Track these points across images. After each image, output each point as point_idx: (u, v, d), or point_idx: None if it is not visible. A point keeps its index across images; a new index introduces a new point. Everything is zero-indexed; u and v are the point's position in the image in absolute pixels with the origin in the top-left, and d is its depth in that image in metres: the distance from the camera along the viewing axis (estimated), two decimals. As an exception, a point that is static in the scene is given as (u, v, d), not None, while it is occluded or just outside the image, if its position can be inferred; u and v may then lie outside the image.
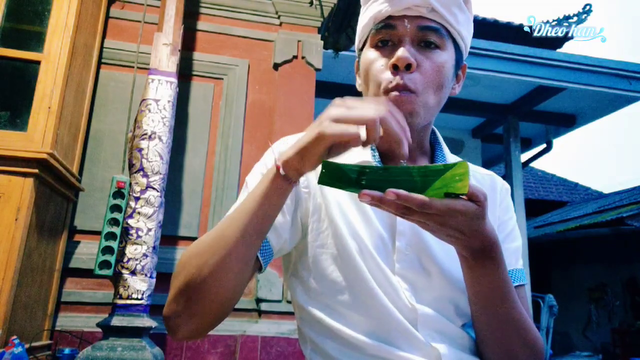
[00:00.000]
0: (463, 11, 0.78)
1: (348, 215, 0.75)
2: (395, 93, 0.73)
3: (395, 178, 0.55)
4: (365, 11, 0.80)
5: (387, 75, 0.74)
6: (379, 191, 0.54)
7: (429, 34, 0.75)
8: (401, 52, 0.72)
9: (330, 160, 0.57)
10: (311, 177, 0.79)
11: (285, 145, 0.82)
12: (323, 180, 0.57)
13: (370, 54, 0.78)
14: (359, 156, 0.80)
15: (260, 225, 0.65)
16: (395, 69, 0.73)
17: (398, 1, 0.74)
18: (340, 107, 0.57)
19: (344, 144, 0.56)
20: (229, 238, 0.64)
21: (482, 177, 0.88)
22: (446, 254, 0.75)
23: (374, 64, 0.76)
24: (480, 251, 0.63)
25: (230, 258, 0.64)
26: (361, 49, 0.83)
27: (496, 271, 0.66)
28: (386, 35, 0.76)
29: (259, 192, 0.64)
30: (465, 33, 0.80)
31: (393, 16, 0.75)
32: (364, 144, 0.56)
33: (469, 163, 0.91)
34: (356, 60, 0.86)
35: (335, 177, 0.56)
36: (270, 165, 0.79)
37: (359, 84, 0.85)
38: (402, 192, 0.53)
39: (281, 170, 0.61)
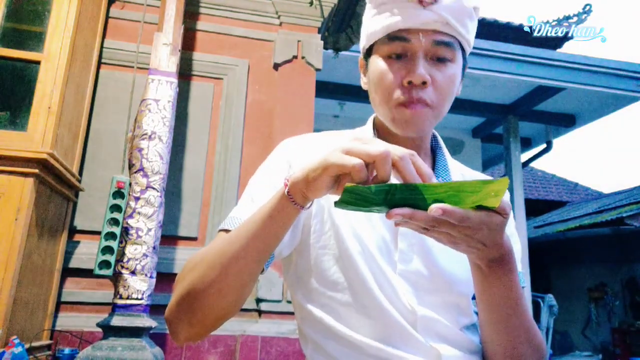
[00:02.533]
0: (473, 20, 0.77)
1: (350, 216, 0.76)
2: (410, 110, 0.73)
3: (426, 195, 0.53)
4: (374, 16, 0.78)
5: (401, 89, 0.74)
6: (409, 208, 0.52)
7: (442, 49, 0.74)
8: (418, 70, 0.72)
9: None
10: None
11: (289, 147, 0.82)
12: (343, 203, 0.54)
13: (382, 65, 0.76)
14: None
15: (265, 246, 0.64)
16: (409, 84, 0.73)
17: (415, 18, 0.73)
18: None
19: (351, 176, 0.54)
20: (232, 256, 0.64)
21: None
22: (449, 257, 0.75)
23: (387, 76, 0.75)
24: (496, 260, 0.62)
25: (233, 275, 0.64)
26: (368, 51, 0.81)
27: (509, 279, 0.65)
28: (399, 48, 0.75)
29: (265, 211, 0.62)
30: (472, 39, 0.80)
31: (407, 29, 0.74)
32: (376, 180, 0.54)
33: (468, 168, 0.92)
34: (360, 58, 0.86)
35: (360, 199, 0.54)
36: (273, 168, 0.79)
37: (364, 82, 0.85)
38: (447, 206, 0.51)
39: (285, 192, 0.60)
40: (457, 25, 0.74)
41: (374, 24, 0.78)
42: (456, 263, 0.76)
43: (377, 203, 0.54)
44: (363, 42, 0.83)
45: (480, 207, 0.54)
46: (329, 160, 0.55)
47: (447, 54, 0.75)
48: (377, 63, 0.77)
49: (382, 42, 0.77)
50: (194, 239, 2.71)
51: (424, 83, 0.73)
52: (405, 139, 0.80)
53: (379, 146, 0.54)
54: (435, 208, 0.51)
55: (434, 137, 0.88)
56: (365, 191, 0.53)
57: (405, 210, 0.52)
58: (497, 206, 0.54)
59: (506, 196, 0.87)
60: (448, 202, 0.53)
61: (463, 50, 0.79)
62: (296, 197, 0.59)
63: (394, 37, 0.75)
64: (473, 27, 0.78)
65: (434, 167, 0.85)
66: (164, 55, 2.37)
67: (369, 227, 0.75)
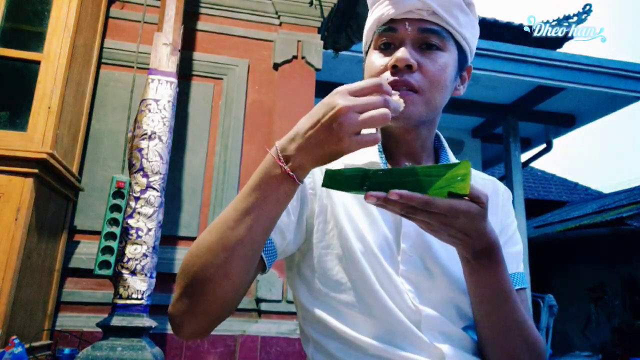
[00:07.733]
0: (466, 14, 0.79)
1: (354, 216, 0.76)
2: (396, 92, 0.72)
3: (399, 179, 0.56)
4: (370, 14, 0.83)
5: (387, 74, 0.75)
6: (384, 192, 0.55)
7: (429, 36, 0.76)
8: (400, 53, 0.74)
9: (333, 168, 0.59)
10: (317, 178, 0.78)
11: None
12: (327, 184, 0.59)
13: (373, 56, 0.80)
14: (367, 157, 0.80)
15: (265, 228, 0.64)
16: (395, 68, 0.74)
17: (399, 4, 0.76)
18: (349, 111, 0.55)
19: None
20: (232, 240, 0.62)
21: (484, 182, 0.89)
22: (450, 257, 0.76)
23: (375, 64, 0.78)
24: (482, 252, 0.64)
25: (233, 260, 0.63)
26: (367, 52, 0.84)
27: (497, 272, 0.66)
28: (388, 38, 0.78)
29: (261, 196, 0.61)
30: (469, 35, 0.80)
31: (395, 19, 0.77)
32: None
33: (471, 168, 0.92)
34: (363, 64, 0.88)
35: (341, 182, 0.58)
36: None
37: None
38: (404, 192, 0.54)
39: (296, 179, 0.59)
40: (445, 15, 0.76)
41: (369, 21, 0.83)
42: (457, 263, 0.76)
43: (356, 187, 0.58)
44: (363, 45, 0.87)
45: (452, 195, 0.56)
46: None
47: (434, 40, 0.76)
48: (370, 55, 0.81)
49: (375, 36, 0.80)
50: (194, 239, 2.70)
51: (410, 67, 0.74)
52: (407, 138, 0.81)
53: (377, 106, 0.55)
54: (392, 192, 0.54)
55: (437, 137, 0.88)
56: (344, 176, 0.58)
57: (380, 194, 0.55)
58: (467, 193, 0.56)
59: (508, 200, 0.89)
60: (418, 186, 0.56)
61: (459, 44, 0.80)
62: (300, 176, 0.60)
63: (383, 29, 0.78)
64: (467, 22, 0.79)
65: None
66: (164, 55, 2.37)
67: (372, 227, 0.76)
